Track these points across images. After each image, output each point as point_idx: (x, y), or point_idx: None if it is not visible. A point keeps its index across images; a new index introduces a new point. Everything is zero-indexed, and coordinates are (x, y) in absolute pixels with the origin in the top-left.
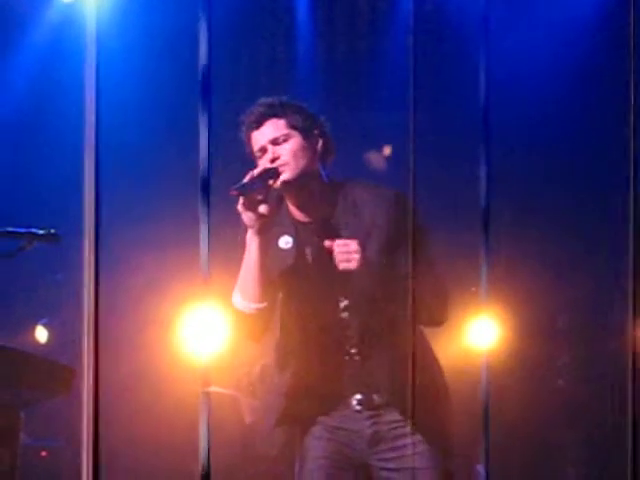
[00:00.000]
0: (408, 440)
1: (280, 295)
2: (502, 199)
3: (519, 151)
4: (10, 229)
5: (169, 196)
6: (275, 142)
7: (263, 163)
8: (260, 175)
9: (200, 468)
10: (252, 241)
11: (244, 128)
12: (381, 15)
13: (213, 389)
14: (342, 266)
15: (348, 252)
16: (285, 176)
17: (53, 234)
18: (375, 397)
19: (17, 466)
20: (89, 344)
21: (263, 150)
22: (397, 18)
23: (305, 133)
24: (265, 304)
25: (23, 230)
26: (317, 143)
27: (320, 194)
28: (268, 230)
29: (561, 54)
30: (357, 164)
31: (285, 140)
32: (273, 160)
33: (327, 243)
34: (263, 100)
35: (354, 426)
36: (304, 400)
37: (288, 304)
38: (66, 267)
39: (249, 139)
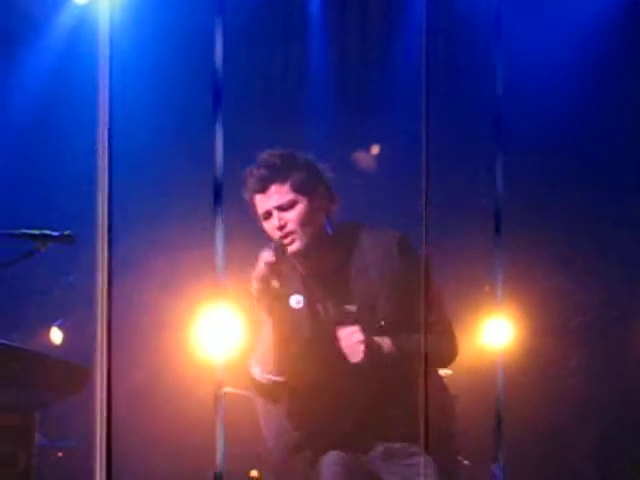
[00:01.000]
0: (417, 459)
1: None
2: (517, 200)
3: (533, 151)
4: (25, 231)
5: (183, 197)
6: (280, 208)
7: (269, 227)
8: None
9: (215, 468)
10: (267, 321)
11: (247, 190)
12: (393, 16)
13: (228, 390)
14: (353, 360)
15: (355, 344)
16: (294, 247)
17: (67, 235)
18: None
19: (33, 466)
20: (102, 345)
21: (268, 214)
22: (409, 18)
23: (311, 195)
24: (284, 378)
25: (37, 232)
26: (323, 201)
27: (326, 247)
28: (281, 299)
29: (575, 54)
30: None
31: (291, 206)
32: (280, 227)
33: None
34: (265, 158)
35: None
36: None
37: (303, 366)
38: (80, 269)
39: (253, 201)
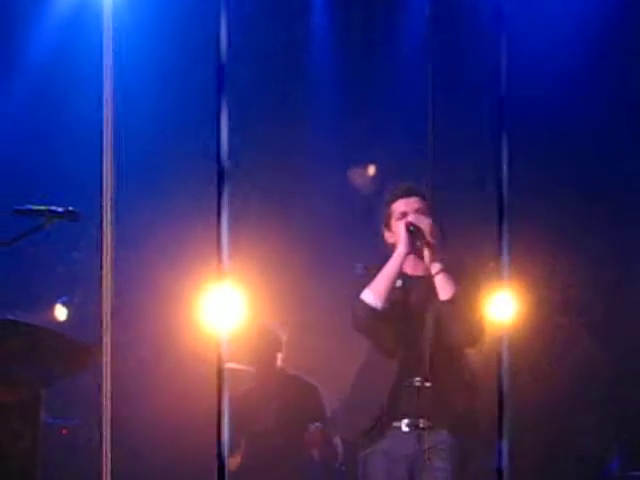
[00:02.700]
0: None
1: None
2: (523, 178)
3: (539, 130)
4: (30, 207)
5: (187, 175)
6: (417, 211)
7: (402, 224)
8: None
9: (219, 442)
10: (399, 255)
11: (389, 196)
12: (397, 6)
13: (231, 365)
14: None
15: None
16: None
17: (72, 212)
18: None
19: (38, 442)
20: (106, 322)
21: (404, 214)
22: (413, 8)
23: (428, 210)
24: (387, 307)
25: (43, 208)
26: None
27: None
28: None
29: (578, 49)
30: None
31: (423, 213)
32: (414, 225)
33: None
34: (407, 183)
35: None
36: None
37: (384, 330)
38: (86, 245)
39: (391, 204)
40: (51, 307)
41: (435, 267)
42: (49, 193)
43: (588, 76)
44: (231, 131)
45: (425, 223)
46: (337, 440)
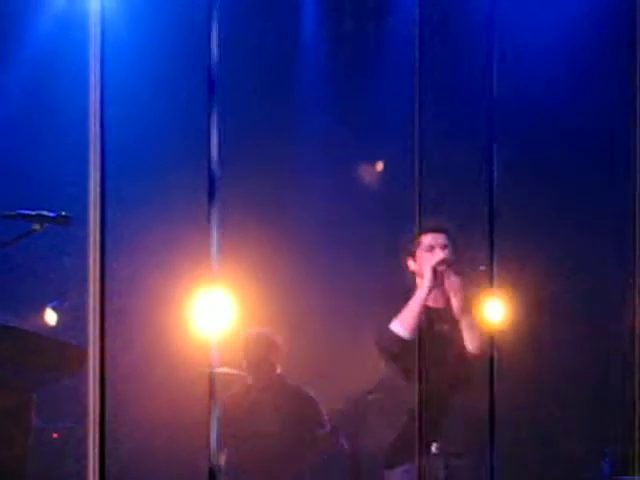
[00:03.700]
0: None
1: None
2: (510, 182)
3: (527, 137)
4: (20, 211)
5: (178, 180)
6: (443, 247)
7: (431, 255)
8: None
9: (209, 446)
10: (424, 291)
11: (419, 230)
12: (387, 10)
13: (222, 370)
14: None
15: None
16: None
17: (63, 216)
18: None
19: (29, 446)
20: (95, 326)
21: (432, 247)
22: (402, 11)
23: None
24: (413, 338)
25: (34, 212)
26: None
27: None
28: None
29: (569, 44)
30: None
31: (448, 249)
32: (441, 261)
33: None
34: (435, 220)
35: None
36: None
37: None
38: (75, 250)
39: (419, 236)
40: (41, 312)
41: (464, 321)
42: (39, 197)
43: (581, 78)
44: (221, 136)
45: (454, 279)
46: (343, 441)
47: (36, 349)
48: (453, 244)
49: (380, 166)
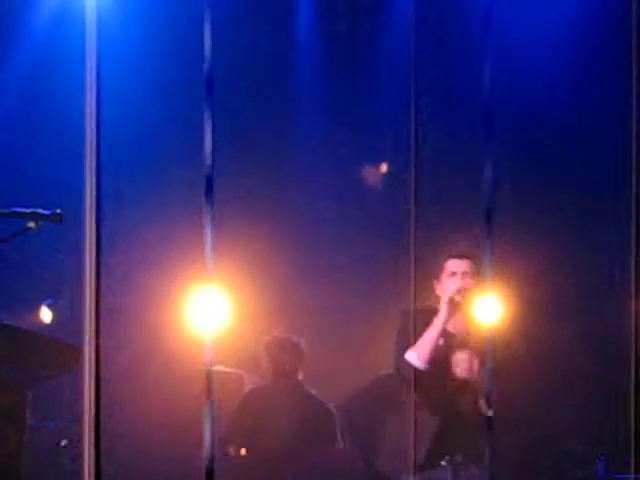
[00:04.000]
0: None
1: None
2: (509, 178)
3: (524, 135)
4: (16, 209)
5: (174, 179)
6: (464, 274)
7: (451, 281)
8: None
9: (205, 444)
10: (441, 322)
11: (445, 255)
12: (382, 9)
13: (218, 368)
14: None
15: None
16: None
17: (58, 214)
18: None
19: (23, 444)
20: (90, 324)
21: (454, 274)
22: (398, 10)
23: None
24: (429, 367)
25: (29, 210)
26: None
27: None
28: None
29: (566, 41)
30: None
31: (470, 276)
32: (460, 288)
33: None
34: (461, 246)
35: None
36: None
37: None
38: (70, 248)
39: (445, 261)
40: (36, 309)
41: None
42: (34, 195)
43: (578, 77)
44: (217, 135)
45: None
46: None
47: (31, 347)
48: (477, 271)
49: (376, 165)
